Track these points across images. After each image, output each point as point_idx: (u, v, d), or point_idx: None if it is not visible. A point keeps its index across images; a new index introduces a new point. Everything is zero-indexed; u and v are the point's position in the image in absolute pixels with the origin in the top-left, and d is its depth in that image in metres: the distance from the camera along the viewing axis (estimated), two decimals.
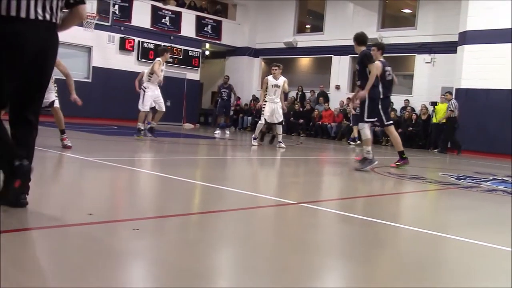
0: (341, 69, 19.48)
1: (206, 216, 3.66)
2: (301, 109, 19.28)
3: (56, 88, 7.60)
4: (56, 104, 7.46)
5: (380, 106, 7.82)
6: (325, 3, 20.13)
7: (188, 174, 6.02)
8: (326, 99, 18.97)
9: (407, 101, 17.22)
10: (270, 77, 10.99)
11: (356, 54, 7.60)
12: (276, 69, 10.97)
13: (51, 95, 7.40)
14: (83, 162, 6.20)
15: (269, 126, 11.58)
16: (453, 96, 15.15)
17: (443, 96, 15.54)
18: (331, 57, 19.69)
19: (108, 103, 17.23)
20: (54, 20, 3.14)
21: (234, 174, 6.85)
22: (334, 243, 3.19)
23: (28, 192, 3.24)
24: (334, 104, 18.57)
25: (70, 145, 7.40)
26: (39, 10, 3.03)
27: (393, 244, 3.35)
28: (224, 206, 4.15)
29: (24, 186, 3.10)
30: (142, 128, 10.38)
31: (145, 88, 10.37)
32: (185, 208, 4.01)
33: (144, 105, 10.34)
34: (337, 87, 19.28)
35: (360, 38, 7.39)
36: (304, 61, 22.04)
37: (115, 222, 3.25)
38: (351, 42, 19.66)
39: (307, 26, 22.17)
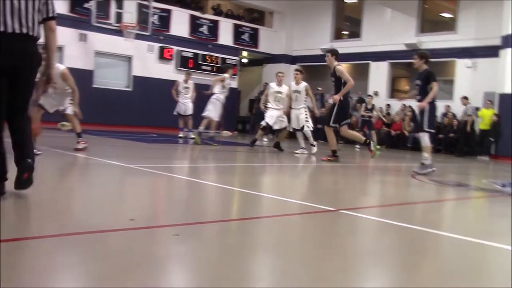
0: (379, 75, 19.26)
1: (245, 222, 3.68)
2: None
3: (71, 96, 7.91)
4: (68, 111, 7.82)
5: (336, 106, 8.91)
6: (362, 9, 19.97)
7: (227, 181, 6.06)
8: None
9: (448, 106, 16.87)
10: (292, 83, 10.94)
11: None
12: (298, 74, 10.83)
13: (65, 103, 7.77)
14: (124, 169, 6.33)
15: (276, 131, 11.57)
16: (497, 101, 14.81)
17: (489, 102, 15.23)
18: (369, 63, 19.49)
19: (148, 111, 17.54)
20: (31, 33, 3.62)
21: (272, 181, 6.85)
22: (374, 250, 3.15)
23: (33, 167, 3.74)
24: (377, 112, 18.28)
25: (81, 148, 7.78)
26: (16, 25, 3.52)
27: (435, 251, 3.28)
28: (263, 213, 4.16)
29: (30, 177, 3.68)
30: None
31: (221, 101, 11.73)
32: (224, 214, 4.03)
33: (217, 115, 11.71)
34: (376, 93, 19.04)
35: (428, 57, 8.04)
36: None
37: (156, 227, 3.30)
38: (389, 48, 19.59)
39: (344, 32, 22.04)
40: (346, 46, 20.26)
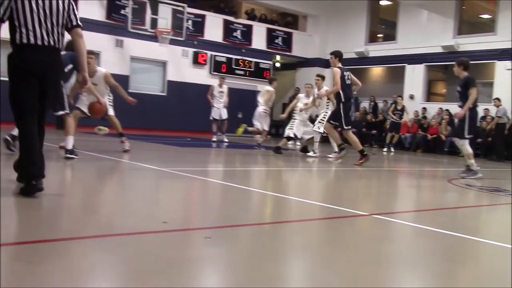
0: (415, 78, 18.92)
1: (276, 226, 3.66)
2: (373, 119, 18.91)
3: (110, 98, 8.40)
4: (110, 112, 8.24)
5: (341, 110, 9.01)
6: (397, 11, 19.70)
7: (258, 184, 6.06)
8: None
9: (486, 110, 16.41)
10: (314, 90, 11.08)
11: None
12: (318, 80, 10.91)
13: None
14: (158, 173, 6.40)
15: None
16: None
17: None
18: (405, 66, 19.19)
19: (182, 116, 17.71)
20: (57, 46, 4.07)
21: (305, 185, 6.81)
22: (408, 255, 3.09)
23: (43, 175, 3.91)
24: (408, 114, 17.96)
25: (128, 148, 8.25)
26: (45, 37, 3.96)
27: (472, 258, 3.19)
28: (294, 217, 4.14)
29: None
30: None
31: (268, 112, 12.29)
32: (255, 218, 4.03)
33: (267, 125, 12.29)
34: (411, 97, 18.72)
35: (467, 64, 8.04)
36: (376, 71, 21.63)
37: (188, 230, 3.33)
38: (425, 50, 19.23)
39: (379, 35, 21.77)
40: (381, 49, 20.05)
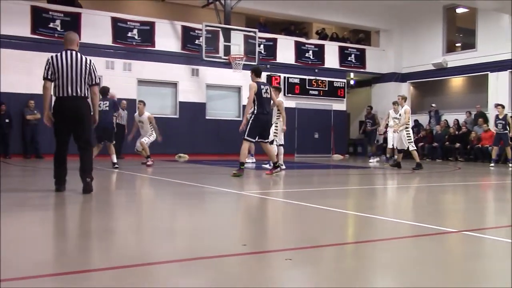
0: (499, 86, 17.96)
1: (360, 246, 3.54)
2: (456, 132, 18.11)
3: (150, 133, 11.78)
4: (142, 139, 11.63)
5: (253, 123, 9.01)
6: (475, 18, 18.90)
7: (339, 204, 5.93)
8: (486, 120, 17.52)
9: None
10: (391, 111, 13.31)
11: None
12: (398, 98, 12.78)
13: (145, 136, 11.69)
14: (236, 196, 6.46)
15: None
16: None
17: None
18: (487, 74, 18.29)
19: None
20: (80, 95, 5.86)
21: (387, 203, 6.59)
22: (504, 273, 2.86)
23: (92, 178, 5.95)
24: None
25: (149, 164, 11.14)
26: (69, 90, 5.79)
27: None
28: (379, 236, 3.99)
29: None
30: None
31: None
32: (337, 238, 3.92)
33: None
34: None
35: None
36: (456, 82, 20.76)
37: (268, 252, 3.29)
38: (509, 56, 18.14)
39: (457, 44, 20.97)
40: (460, 59, 19.29)
